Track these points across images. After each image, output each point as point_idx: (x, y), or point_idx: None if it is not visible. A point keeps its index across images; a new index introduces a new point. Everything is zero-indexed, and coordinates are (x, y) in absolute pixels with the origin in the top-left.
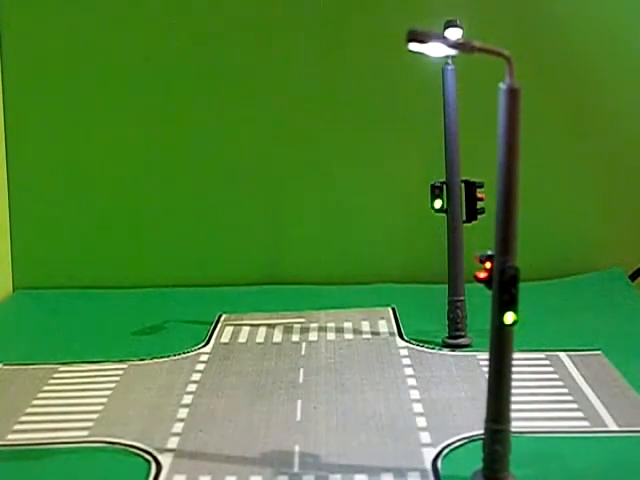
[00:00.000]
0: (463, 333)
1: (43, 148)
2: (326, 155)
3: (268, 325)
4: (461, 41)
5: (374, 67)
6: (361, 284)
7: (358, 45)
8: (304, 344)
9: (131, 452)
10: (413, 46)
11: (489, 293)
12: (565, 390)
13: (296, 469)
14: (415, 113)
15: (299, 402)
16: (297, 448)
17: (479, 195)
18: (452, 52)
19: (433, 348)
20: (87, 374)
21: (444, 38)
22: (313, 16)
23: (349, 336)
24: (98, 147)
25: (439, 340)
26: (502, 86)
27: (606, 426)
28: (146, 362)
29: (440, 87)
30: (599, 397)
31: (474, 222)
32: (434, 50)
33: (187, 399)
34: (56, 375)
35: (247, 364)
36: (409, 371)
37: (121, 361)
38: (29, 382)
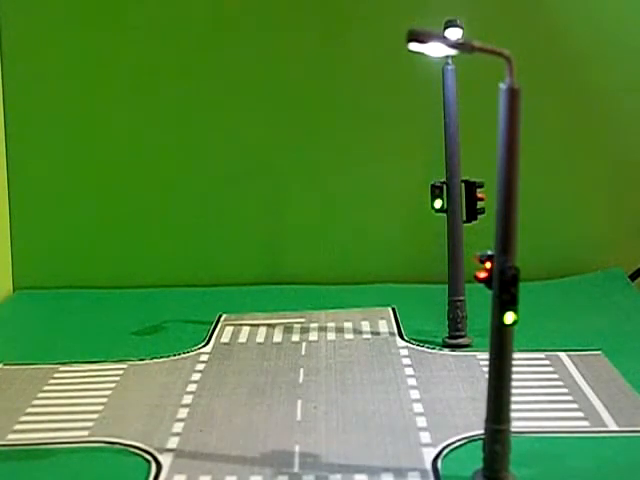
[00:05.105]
0: (463, 333)
1: (43, 148)
2: (326, 155)
3: (268, 325)
4: (461, 41)
5: (374, 67)
6: (361, 284)
7: (358, 45)
8: (304, 344)
9: (131, 452)
10: (413, 46)
11: (489, 293)
12: (565, 390)
13: (296, 469)
14: (415, 113)
15: (299, 402)
16: (297, 448)
17: (479, 195)
18: (452, 52)
19: (433, 348)
20: (87, 374)
21: (444, 38)
22: (313, 16)
23: (349, 336)
24: (98, 147)
25: (439, 340)
26: (502, 86)
27: (606, 426)
28: (146, 362)
29: (440, 87)
30: (599, 397)
31: (474, 222)
32: (434, 50)
33: (187, 399)
34: (56, 375)
35: (247, 364)
36: (409, 371)
37: (121, 361)
38: (29, 382)
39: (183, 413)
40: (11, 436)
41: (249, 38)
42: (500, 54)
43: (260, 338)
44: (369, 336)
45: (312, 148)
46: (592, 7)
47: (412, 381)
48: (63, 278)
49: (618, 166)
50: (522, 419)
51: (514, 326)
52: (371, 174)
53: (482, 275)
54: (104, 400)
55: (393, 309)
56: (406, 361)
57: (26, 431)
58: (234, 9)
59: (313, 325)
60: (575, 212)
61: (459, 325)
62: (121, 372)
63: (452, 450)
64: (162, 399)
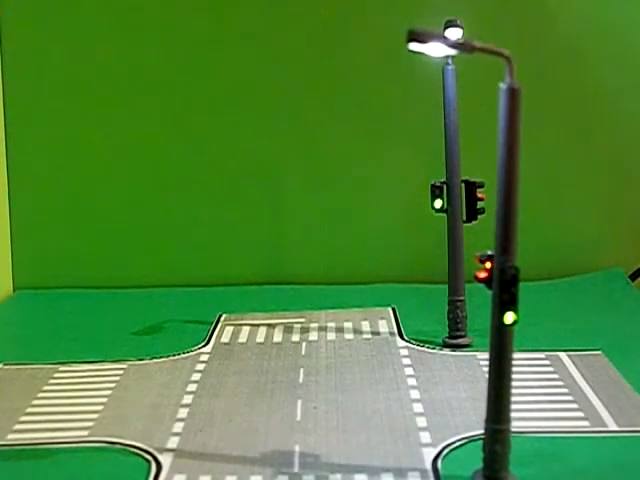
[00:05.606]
0: (463, 333)
1: (43, 149)
2: (326, 155)
3: (268, 325)
4: (461, 41)
5: (374, 67)
6: (361, 284)
7: (358, 45)
8: (304, 344)
9: (131, 452)
10: (413, 46)
11: (489, 293)
12: (565, 390)
13: (296, 469)
14: (415, 113)
15: (299, 402)
16: (297, 448)
17: (479, 195)
18: (452, 52)
19: (433, 348)
20: (87, 374)
21: (444, 38)
22: (313, 16)
23: (349, 336)
24: (98, 148)
25: (439, 340)
26: (502, 86)
27: (606, 426)
28: (146, 362)
29: (440, 87)
30: (599, 397)
31: (474, 222)
32: (434, 50)
33: (187, 399)
34: (56, 375)
35: (247, 364)
36: (409, 371)
37: (121, 361)
38: (29, 382)
39: (183, 413)
40: (11, 436)
41: (249, 39)
42: (500, 54)
43: (260, 338)
44: (369, 336)
45: (312, 148)
46: (592, 7)
47: (412, 381)
48: (63, 278)
49: (618, 166)
50: (522, 419)
51: (514, 326)
52: (371, 174)
53: (482, 275)
54: (104, 400)
55: (393, 309)
56: (406, 361)
57: (26, 431)
58: (233, 9)
59: (313, 325)
60: (575, 212)
61: (459, 325)
62: (121, 372)
63: (452, 450)
64: (162, 399)
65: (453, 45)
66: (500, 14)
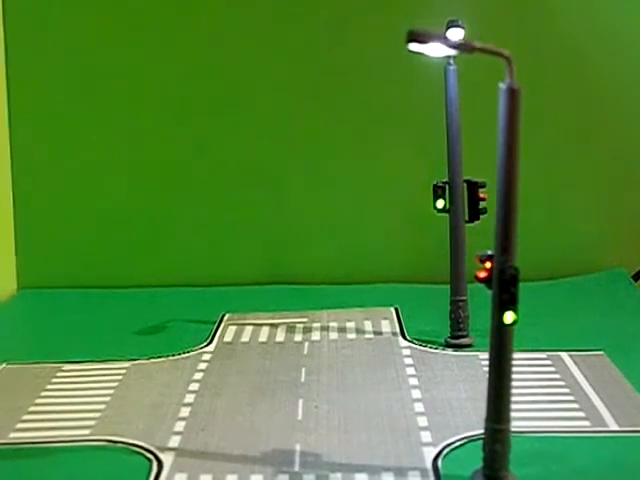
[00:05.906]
0: (465, 333)
1: (47, 149)
2: (328, 155)
3: (271, 325)
4: (461, 41)
5: (375, 67)
6: (363, 284)
7: (359, 45)
8: (306, 344)
9: (133, 451)
10: (413, 46)
11: (490, 293)
12: (566, 390)
13: (297, 468)
14: (417, 113)
15: (301, 401)
16: (298, 447)
17: (481, 195)
18: (452, 52)
19: (435, 348)
20: (90, 373)
21: (444, 38)
22: (313, 16)
23: (351, 336)
24: (100, 148)
25: (441, 340)
26: (502, 86)
27: (607, 426)
28: (148, 361)
29: (442, 87)
30: (600, 397)
31: (476, 222)
32: (434, 50)
33: (189, 398)
34: (59, 374)
35: (249, 363)
36: (411, 371)
37: (124, 360)
38: (32, 381)
39: (185, 412)
40: (13, 434)
41: (249, 39)
42: (500, 54)
43: (263, 337)
44: (371, 336)
45: (314, 148)
46: (592, 7)
47: (414, 381)
48: (67, 277)
49: (620, 166)
50: (522, 419)
51: (514, 326)
52: (373, 174)
53: (482, 275)
54: (106, 399)
55: (395, 309)
56: (408, 361)
57: (28, 429)
58: (233, 9)
59: (315, 325)
60: (577, 212)
61: (461, 325)
62: (124, 371)
63: (453, 450)
64: (164, 398)
65: (453, 45)
66: (500, 14)
